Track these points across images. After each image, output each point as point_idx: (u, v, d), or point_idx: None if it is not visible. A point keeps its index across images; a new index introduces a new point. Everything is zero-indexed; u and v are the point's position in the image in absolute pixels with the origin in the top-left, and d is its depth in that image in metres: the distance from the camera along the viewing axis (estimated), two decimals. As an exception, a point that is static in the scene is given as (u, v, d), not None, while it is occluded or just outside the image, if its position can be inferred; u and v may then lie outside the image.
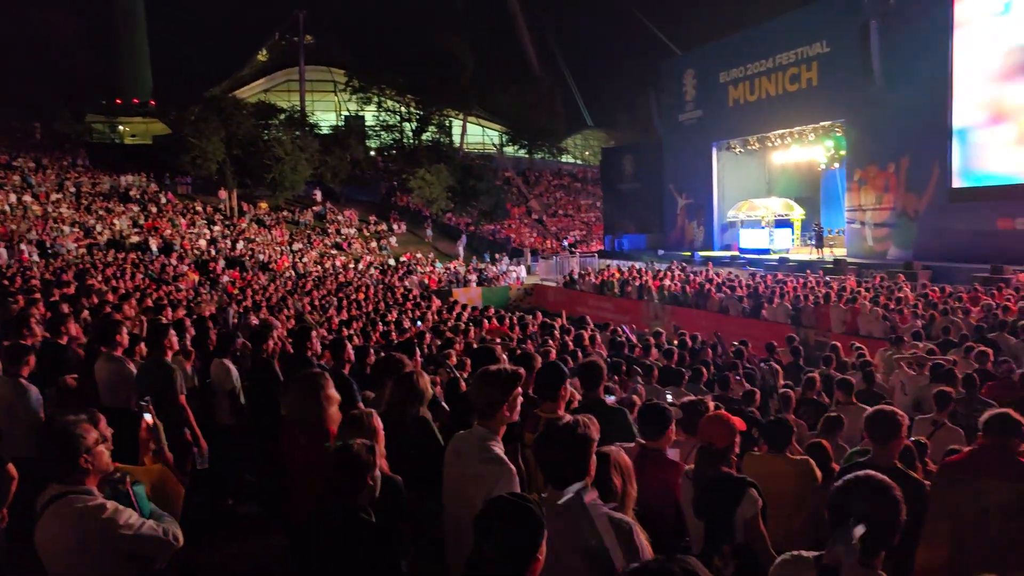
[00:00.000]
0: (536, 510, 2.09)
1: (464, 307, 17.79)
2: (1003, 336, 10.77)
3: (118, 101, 56.22)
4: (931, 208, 22.86)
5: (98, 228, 31.28)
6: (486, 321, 14.64)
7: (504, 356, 5.23)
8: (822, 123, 27.29)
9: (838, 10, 25.54)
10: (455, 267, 33.77)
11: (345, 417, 3.55)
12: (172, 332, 6.12)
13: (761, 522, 3.36)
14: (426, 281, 29.94)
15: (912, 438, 5.73)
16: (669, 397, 7.28)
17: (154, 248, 30.61)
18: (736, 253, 29.36)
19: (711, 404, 4.62)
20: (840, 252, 26.31)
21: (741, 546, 3.32)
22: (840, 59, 25.36)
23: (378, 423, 3.47)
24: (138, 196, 36.81)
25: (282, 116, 41.00)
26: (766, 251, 28.23)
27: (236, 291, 21.31)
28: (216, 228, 35.43)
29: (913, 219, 23.46)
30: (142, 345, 6.78)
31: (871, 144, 24.84)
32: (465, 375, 6.47)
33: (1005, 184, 20.96)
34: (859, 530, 2.07)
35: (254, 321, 10.65)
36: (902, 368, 8.98)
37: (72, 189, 35.24)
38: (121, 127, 53.69)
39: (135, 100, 56.86)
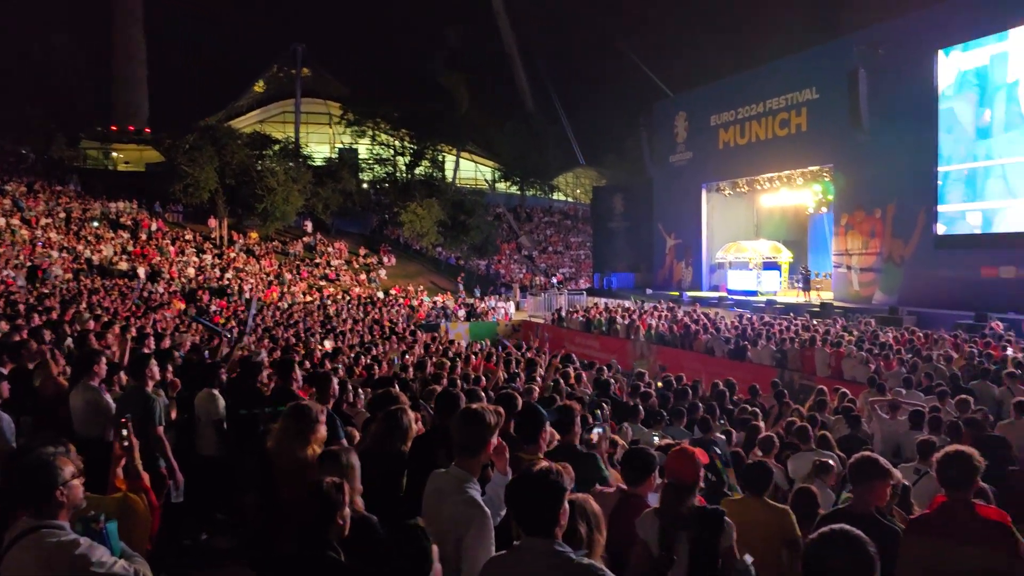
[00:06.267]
0: None
1: (451, 342, 17.75)
2: (986, 384, 10.80)
3: (113, 127, 56.26)
4: (917, 254, 23.10)
5: (86, 254, 31.17)
6: (473, 357, 14.60)
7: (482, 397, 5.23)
8: (810, 168, 27.63)
9: (828, 58, 26.06)
10: (443, 301, 33.76)
11: (322, 453, 3.52)
12: (153, 362, 6.08)
13: (736, 551, 3.38)
14: (413, 315, 29.89)
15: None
16: (655, 439, 7.26)
17: (142, 275, 30.49)
18: (724, 294, 29.49)
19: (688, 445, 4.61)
20: (827, 296, 26.47)
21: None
22: (829, 106, 25.79)
23: (355, 460, 3.45)
24: (129, 223, 36.73)
25: (276, 147, 41.15)
26: (753, 293, 28.38)
27: (222, 320, 21.19)
28: (205, 257, 35.35)
29: (899, 265, 23.68)
30: (123, 375, 6.75)
31: (858, 189, 25.17)
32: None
33: (989, 233, 21.23)
34: None
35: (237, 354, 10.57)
36: (876, 412, 8.99)
37: (62, 214, 35.15)
38: (115, 153, 53.67)
39: (130, 127, 56.88)
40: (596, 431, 4.88)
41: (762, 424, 8.31)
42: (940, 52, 22.22)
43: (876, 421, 8.91)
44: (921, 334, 16.63)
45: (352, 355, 14.17)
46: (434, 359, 13.07)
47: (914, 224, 23.18)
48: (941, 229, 22.51)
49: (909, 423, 8.31)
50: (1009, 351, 14.32)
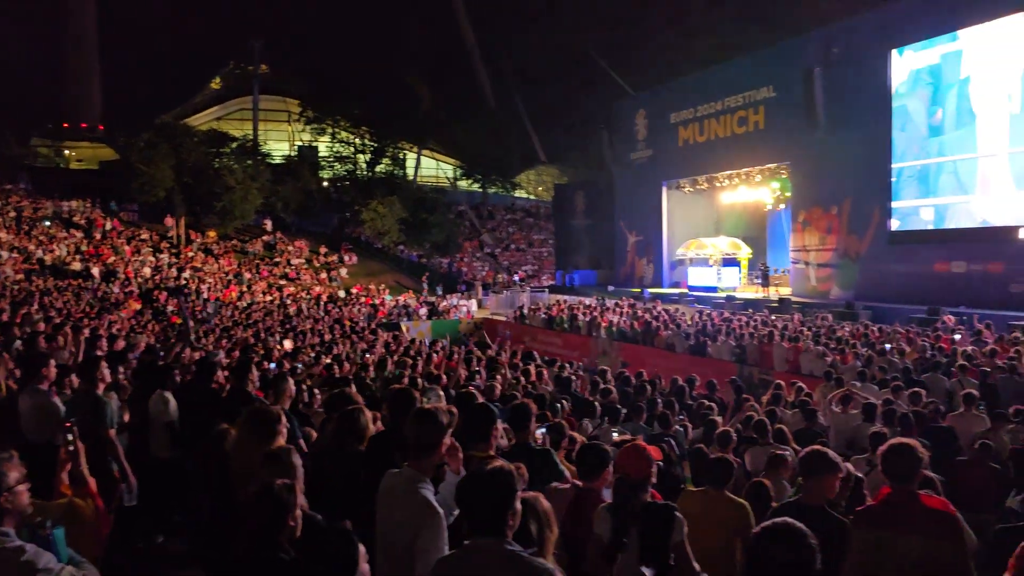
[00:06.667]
0: None
1: (412, 341, 17.68)
2: (937, 376, 11.04)
3: (65, 125, 55.00)
4: (872, 250, 23.54)
5: (38, 254, 30.46)
6: (434, 355, 14.56)
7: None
8: (768, 165, 27.98)
9: (784, 57, 26.43)
10: (405, 299, 33.60)
11: (265, 454, 3.49)
12: (104, 364, 5.96)
13: (687, 545, 3.43)
14: (375, 313, 29.69)
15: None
16: (615, 435, 7.31)
17: (96, 275, 29.87)
18: (685, 290, 29.76)
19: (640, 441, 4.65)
20: (785, 291, 26.85)
21: (674, 569, 3.39)
22: (786, 104, 26.13)
23: (297, 460, 3.42)
24: (82, 222, 35.96)
25: (234, 144, 40.57)
26: (713, 289, 28.68)
27: (179, 321, 20.85)
28: (162, 256, 34.74)
29: (855, 260, 24.11)
30: (74, 377, 6.62)
31: (815, 187, 25.57)
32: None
33: (941, 228, 21.72)
34: None
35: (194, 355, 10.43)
36: (829, 406, 9.17)
37: (12, 214, 34.28)
38: (67, 151, 52.48)
39: (83, 124, 55.66)
40: (539, 432, 4.93)
41: (719, 419, 8.41)
42: (894, 51, 22.66)
43: (830, 414, 9.08)
44: (875, 328, 16.97)
45: (312, 355, 14.06)
46: (395, 358, 13.01)
47: (869, 220, 23.61)
48: (895, 225, 22.96)
49: (862, 416, 8.48)
50: (957, 337, 14.86)
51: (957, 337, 15.08)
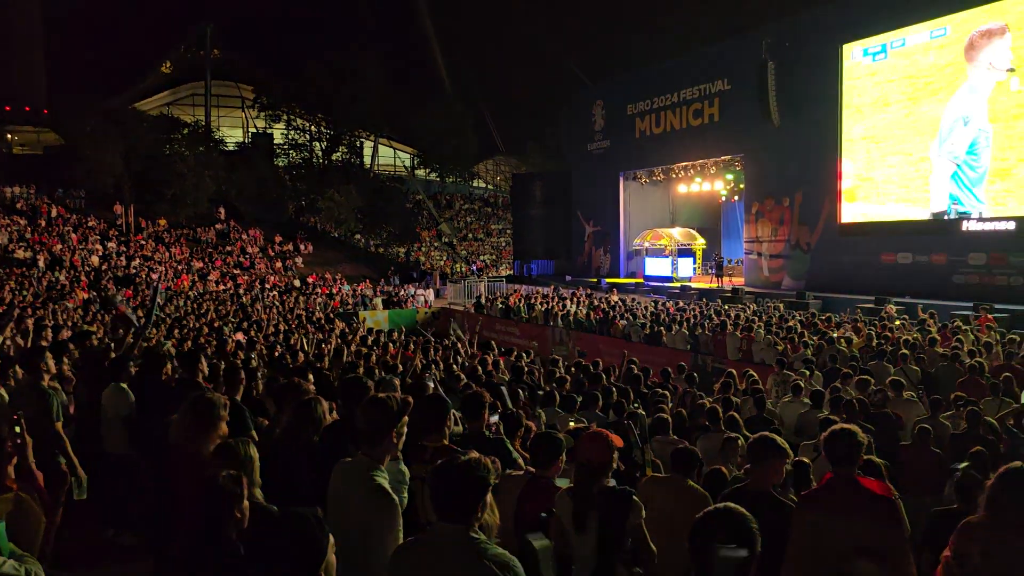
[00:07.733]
0: None
1: (369, 330, 17.57)
2: (882, 364, 11.33)
3: (7, 108, 53.22)
4: (822, 241, 24.03)
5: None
6: (391, 345, 14.49)
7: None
8: (723, 157, 28.34)
9: (738, 50, 26.74)
10: (362, 289, 33.35)
11: (218, 445, 3.44)
12: (48, 355, 5.83)
13: (644, 525, 3.49)
14: (330, 303, 29.43)
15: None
16: (571, 423, 7.37)
17: (41, 264, 29.08)
18: (641, 280, 30.04)
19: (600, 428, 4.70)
20: (738, 281, 27.28)
21: (631, 552, 3.43)
22: (740, 97, 26.48)
23: (254, 452, 3.38)
24: (26, 208, 34.93)
25: (185, 131, 39.73)
26: (669, 279, 29.01)
27: (127, 311, 20.41)
28: (110, 244, 33.94)
29: (806, 251, 24.59)
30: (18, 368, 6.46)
31: (768, 179, 25.98)
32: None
33: (888, 221, 22.25)
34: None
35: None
36: (779, 393, 9.36)
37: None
38: (9, 136, 50.84)
39: (26, 108, 53.91)
40: (493, 418, 4.99)
41: (667, 407, 8.51)
42: (845, 46, 23.10)
43: (779, 402, 9.28)
44: (824, 318, 17.36)
45: (267, 344, 13.89)
46: (352, 347, 12.92)
47: (820, 212, 24.09)
48: (845, 217, 23.46)
49: (810, 403, 8.68)
50: (898, 323, 15.35)
51: (898, 323, 15.60)
